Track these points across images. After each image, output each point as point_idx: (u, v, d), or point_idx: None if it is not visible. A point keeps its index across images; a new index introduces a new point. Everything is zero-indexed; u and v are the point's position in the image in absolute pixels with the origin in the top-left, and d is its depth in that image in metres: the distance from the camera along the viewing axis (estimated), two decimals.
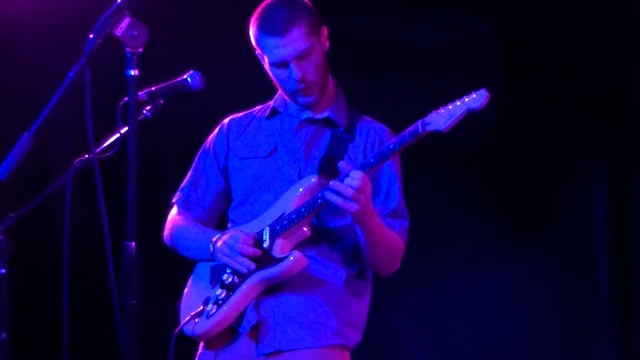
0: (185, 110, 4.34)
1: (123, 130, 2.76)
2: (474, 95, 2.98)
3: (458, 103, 3.00)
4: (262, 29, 3.27)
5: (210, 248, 3.33)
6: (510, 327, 5.20)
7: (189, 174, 3.55)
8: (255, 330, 3.24)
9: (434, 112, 3.03)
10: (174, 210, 3.56)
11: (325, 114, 3.38)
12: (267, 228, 3.26)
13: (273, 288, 3.24)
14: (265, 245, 3.24)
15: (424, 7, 5.09)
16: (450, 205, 5.21)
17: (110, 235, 2.56)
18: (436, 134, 3.01)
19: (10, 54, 5.17)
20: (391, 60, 5.22)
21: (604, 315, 5.15)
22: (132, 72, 2.58)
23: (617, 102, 5.16)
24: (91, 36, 2.57)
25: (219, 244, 3.30)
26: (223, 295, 3.26)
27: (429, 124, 3.02)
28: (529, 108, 5.15)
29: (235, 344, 3.27)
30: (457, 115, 2.98)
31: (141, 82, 2.63)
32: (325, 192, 3.12)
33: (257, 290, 3.24)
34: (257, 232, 3.27)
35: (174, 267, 3.58)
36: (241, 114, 3.53)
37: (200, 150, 3.54)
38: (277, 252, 3.21)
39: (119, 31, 2.57)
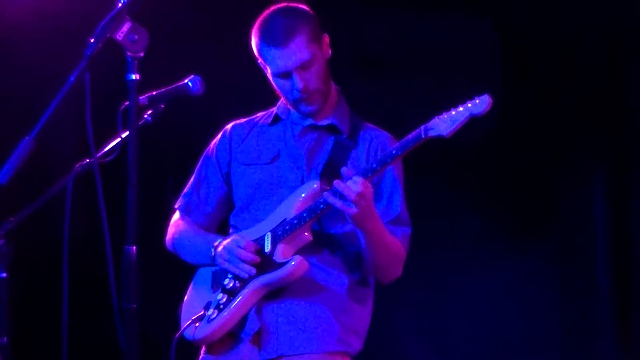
0: (186, 114, 4.32)
1: (124, 135, 2.76)
2: (477, 101, 2.99)
3: (461, 108, 3.00)
4: (264, 40, 3.26)
5: (211, 253, 3.33)
6: (510, 327, 5.19)
7: (192, 179, 3.54)
8: (258, 335, 3.24)
9: (436, 117, 3.03)
10: (176, 216, 3.55)
11: (328, 121, 3.38)
12: (269, 233, 3.25)
13: (275, 293, 3.24)
14: (267, 250, 3.24)
15: (423, 7, 5.07)
16: (450, 205, 5.20)
17: (111, 239, 2.56)
18: (439, 138, 3.02)
19: (10, 55, 5.15)
20: (391, 60, 5.21)
21: (604, 315, 5.14)
22: (133, 77, 2.58)
23: (617, 102, 5.15)
24: (92, 40, 2.56)
25: (219, 248, 3.29)
26: (224, 299, 3.25)
27: (431, 129, 3.02)
28: (528, 108, 5.14)
29: (237, 349, 3.27)
30: (460, 121, 2.99)
31: (141, 83, 2.62)
32: (325, 194, 3.12)
33: (258, 295, 3.23)
34: (259, 237, 3.27)
35: (175, 271, 3.57)
36: (244, 119, 3.52)
37: (202, 156, 3.54)
38: (278, 257, 3.21)
39: (119, 35, 2.57)
